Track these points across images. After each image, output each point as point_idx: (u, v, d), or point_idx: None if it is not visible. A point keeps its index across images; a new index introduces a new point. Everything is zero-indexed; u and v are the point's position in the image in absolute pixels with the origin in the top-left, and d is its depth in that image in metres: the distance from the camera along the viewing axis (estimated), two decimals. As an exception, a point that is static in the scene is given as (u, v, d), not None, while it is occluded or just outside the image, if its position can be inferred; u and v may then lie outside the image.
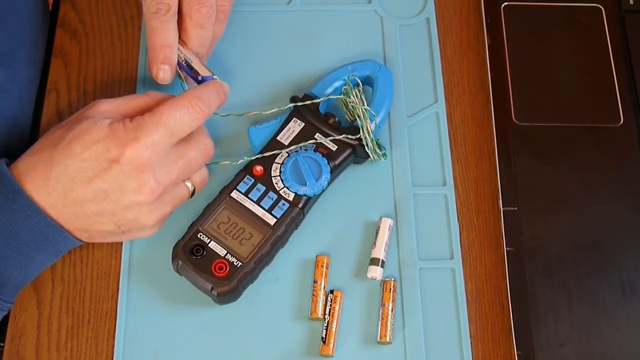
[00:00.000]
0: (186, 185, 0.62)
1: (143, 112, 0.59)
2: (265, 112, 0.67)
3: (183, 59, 0.65)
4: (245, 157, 0.65)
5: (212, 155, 0.62)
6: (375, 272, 0.64)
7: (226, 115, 0.67)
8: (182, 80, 0.66)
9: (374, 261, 0.64)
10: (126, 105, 0.61)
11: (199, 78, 0.64)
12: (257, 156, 0.65)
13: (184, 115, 0.58)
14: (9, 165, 0.59)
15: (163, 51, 0.64)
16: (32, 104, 0.72)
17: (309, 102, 0.67)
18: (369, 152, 0.66)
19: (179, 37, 0.65)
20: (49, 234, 0.58)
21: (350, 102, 0.67)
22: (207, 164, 0.64)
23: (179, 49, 0.65)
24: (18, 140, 0.69)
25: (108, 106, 0.60)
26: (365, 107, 0.66)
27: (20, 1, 0.72)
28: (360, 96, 0.67)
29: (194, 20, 0.64)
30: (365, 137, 0.66)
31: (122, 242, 0.65)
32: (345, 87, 0.67)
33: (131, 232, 0.61)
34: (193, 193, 0.63)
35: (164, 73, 0.64)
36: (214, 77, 0.64)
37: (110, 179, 0.57)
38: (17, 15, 0.71)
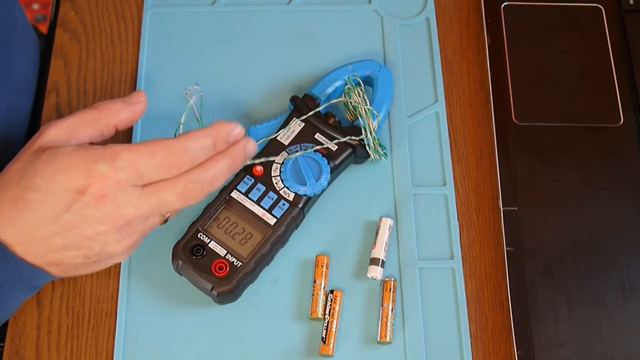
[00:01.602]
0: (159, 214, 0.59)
1: (97, 129, 0.57)
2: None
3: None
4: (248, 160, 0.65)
5: (197, 201, 0.57)
6: (375, 272, 0.64)
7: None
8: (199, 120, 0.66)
9: (374, 261, 0.64)
10: (78, 124, 0.57)
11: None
12: (256, 161, 0.64)
13: (157, 166, 0.55)
14: None
15: None
16: (30, 103, 0.73)
17: (312, 112, 0.67)
18: (370, 151, 0.66)
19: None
20: (21, 271, 0.56)
21: (353, 102, 0.67)
22: None
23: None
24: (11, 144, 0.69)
25: (59, 130, 0.57)
26: (368, 106, 0.66)
27: (13, 38, 0.71)
28: (363, 95, 0.67)
29: None
30: (367, 137, 0.66)
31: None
32: (347, 86, 0.68)
33: (102, 262, 0.59)
34: (168, 219, 0.61)
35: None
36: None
37: (75, 211, 0.54)
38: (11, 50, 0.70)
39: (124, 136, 0.69)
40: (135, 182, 0.54)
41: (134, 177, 0.54)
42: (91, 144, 0.58)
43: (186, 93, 0.66)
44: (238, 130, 0.58)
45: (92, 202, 0.54)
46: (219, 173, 0.57)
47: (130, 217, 0.55)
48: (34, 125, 0.72)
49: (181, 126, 0.63)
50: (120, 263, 0.64)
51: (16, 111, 0.71)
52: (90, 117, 0.58)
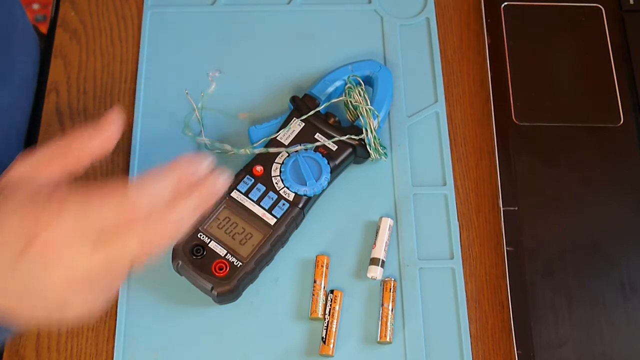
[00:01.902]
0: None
1: (67, 164, 0.51)
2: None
3: None
4: (247, 150, 0.65)
5: (165, 247, 0.51)
6: (375, 272, 0.64)
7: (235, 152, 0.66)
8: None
9: (374, 261, 0.64)
10: (47, 159, 0.51)
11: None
12: (261, 150, 0.65)
13: (109, 214, 0.48)
14: None
15: None
16: (30, 104, 0.73)
17: (312, 112, 0.67)
18: (371, 151, 0.66)
19: None
20: None
21: (353, 102, 0.67)
22: (209, 149, 0.63)
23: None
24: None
25: (27, 167, 0.51)
26: (369, 106, 0.66)
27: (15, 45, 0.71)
28: (364, 95, 0.67)
29: None
30: (368, 136, 0.66)
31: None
32: (347, 86, 0.68)
33: (67, 319, 0.52)
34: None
35: None
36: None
37: (22, 264, 0.47)
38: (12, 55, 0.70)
39: (124, 136, 0.69)
40: (86, 231, 0.47)
41: (85, 226, 0.47)
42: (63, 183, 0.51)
43: (210, 79, 0.65)
44: (205, 164, 0.51)
45: (38, 255, 0.47)
46: (185, 214, 0.50)
47: (82, 271, 0.48)
48: (34, 125, 0.72)
49: (197, 111, 0.62)
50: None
51: (17, 111, 0.71)
52: (58, 151, 0.52)
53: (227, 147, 0.67)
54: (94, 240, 0.48)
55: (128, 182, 0.49)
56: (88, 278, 0.48)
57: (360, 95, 0.67)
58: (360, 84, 0.68)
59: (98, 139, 0.52)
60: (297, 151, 0.65)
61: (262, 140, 0.66)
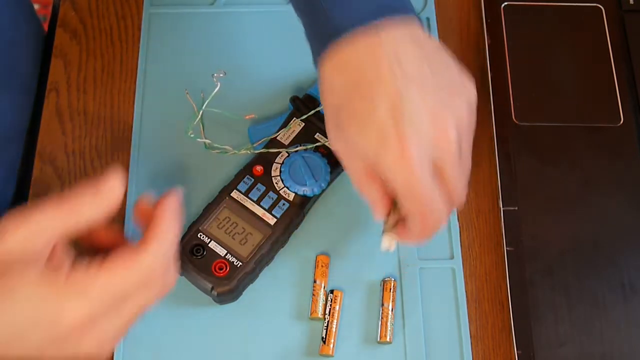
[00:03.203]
0: None
1: (64, 233, 0.48)
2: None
3: None
4: (248, 150, 0.65)
5: (171, 289, 0.53)
6: (391, 243, 0.58)
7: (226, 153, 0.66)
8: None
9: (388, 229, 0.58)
10: (43, 229, 0.47)
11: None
12: (261, 150, 0.65)
13: (136, 283, 0.48)
14: None
15: None
16: (30, 105, 0.73)
17: (312, 112, 0.67)
18: (369, 152, 0.66)
19: None
20: None
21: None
22: (209, 150, 0.64)
23: None
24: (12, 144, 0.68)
25: (20, 237, 0.46)
26: None
27: (8, 28, 0.71)
28: None
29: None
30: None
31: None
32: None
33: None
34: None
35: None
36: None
37: (51, 351, 0.47)
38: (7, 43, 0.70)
39: (124, 135, 0.69)
40: (112, 303, 0.47)
41: (112, 300, 0.47)
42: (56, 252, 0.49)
43: (215, 80, 0.65)
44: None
45: (69, 343, 0.46)
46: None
47: (115, 340, 0.49)
48: (34, 125, 0.72)
49: (197, 111, 0.63)
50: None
51: (20, 109, 0.71)
52: (55, 223, 0.48)
53: (228, 147, 0.67)
54: (117, 310, 0.48)
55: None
56: (112, 338, 0.49)
57: None
58: None
59: (98, 210, 0.49)
60: (297, 151, 0.65)
61: (262, 140, 0.66)
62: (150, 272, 0.49)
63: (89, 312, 0.46)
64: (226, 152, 0.67)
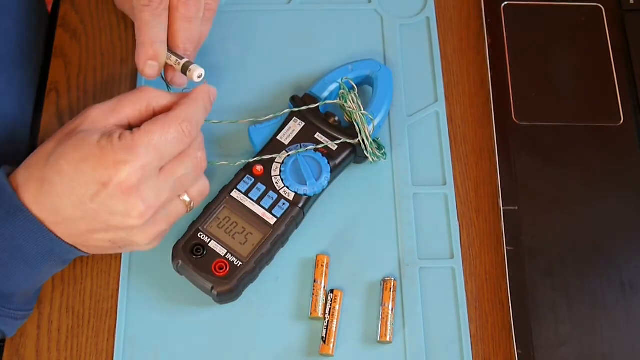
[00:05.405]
0: (182, 199, 0.59)
1: (135, 110, 0.57)
2: (259, 118, 0.67)
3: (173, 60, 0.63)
4: (243, 160, 0.65)
5: (205, 168, 0.60)
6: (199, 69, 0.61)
7: (218, 122, 0.66)
8: (167, 83, 0.65)
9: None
10: (117, 105, 0.57)
11: (185, 87, 0.63)
12: (256, 159, 0.65)
13: (174, 139, 0.56)
14: (10, 174, 0.57)
15: (153, 46, 0.61)
16: (31, 105, 0.73)
17: (305, 107, 0.67)
18: (368, 155, 0.66)
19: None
20: (53, 247, 0.57)
21: (347, 107, 0.66)
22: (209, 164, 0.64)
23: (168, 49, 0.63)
24: (17, 142, 0.69)
25: (99, 113, 0.57)
26: (363, 112, 0.66)
27: (14, 2, 0.72)
28: (357, 101, 0.66)
29: (180, 13, 0.62)
30: (363, 141, 0.65)
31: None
32: (341, 91, 0.67)
33: (127, 248, 0.60)
34: (192, 206, 0.61)
35: (151, 69, 0.62)
36: (201, 76, 0.62)
37: (99, 202, 0.54)
38: (11, 16, 0.70)
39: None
40: (157, 164, 0.55)
41: (156, 159, 0.55)
42: (130, 125, 0.58)
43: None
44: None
45: (116, 194, 0.54)
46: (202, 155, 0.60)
47: (154, 205, 0.56)
48: (34, 125, 0.72)
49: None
50: (120, 262, 0.64)
51: (22, 109, 0.71)
52: (130, 98, 0.58)
53: (223, 163, 0.65)
54: (159, 175, 0.56)
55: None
56: (157, 212, 0.57)
57: (353, 102, 0.66)
58: (354, 88, 0.68)
59: (166, 98, 0.59)
60: (297, 152, 0.65)
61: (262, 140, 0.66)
62: (183, 131, 0.56)
63: (140, 165, 0.54)
64: (216, 164, 0.66)
